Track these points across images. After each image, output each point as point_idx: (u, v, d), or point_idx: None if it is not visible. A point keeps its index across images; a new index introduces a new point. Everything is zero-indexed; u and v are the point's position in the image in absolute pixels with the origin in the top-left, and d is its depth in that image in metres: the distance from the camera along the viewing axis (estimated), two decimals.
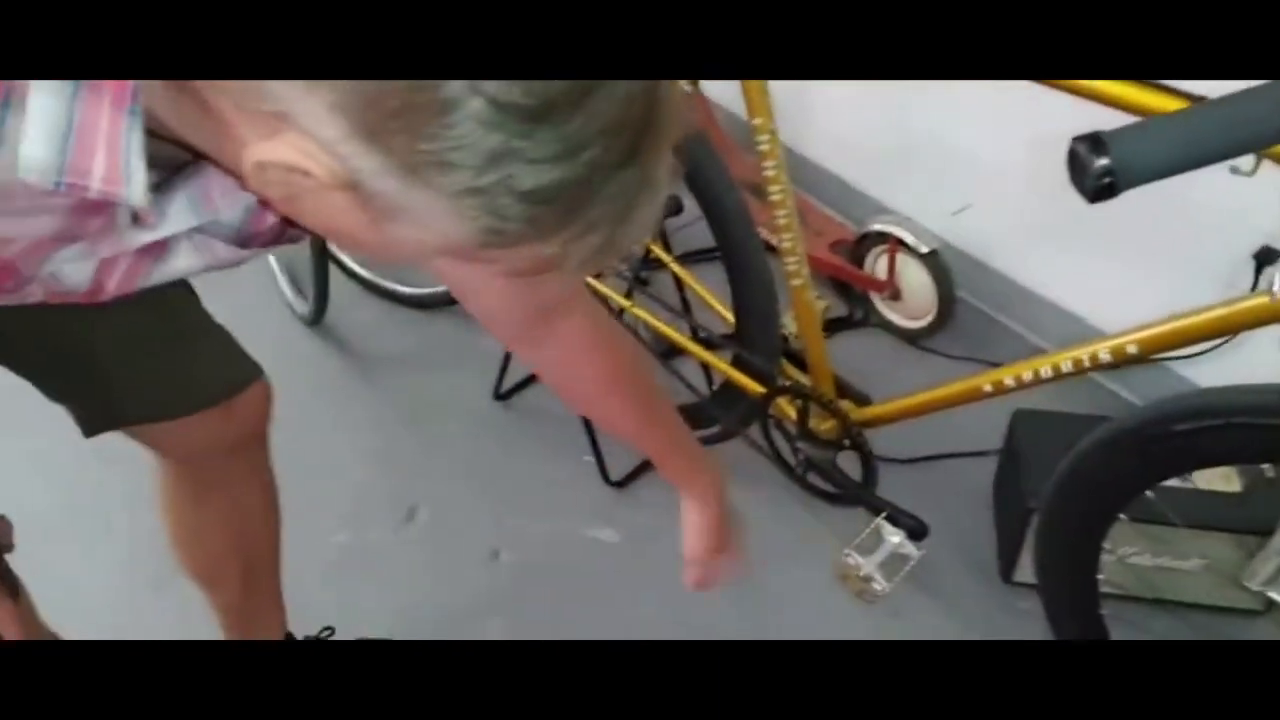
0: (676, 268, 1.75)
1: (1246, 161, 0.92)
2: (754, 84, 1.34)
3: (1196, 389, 1.66)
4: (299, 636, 1.43)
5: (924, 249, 1.90)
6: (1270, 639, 1.51)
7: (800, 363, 1.63)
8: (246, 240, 0.65)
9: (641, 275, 1.84)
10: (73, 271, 0.64)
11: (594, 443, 1.79)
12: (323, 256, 2.01)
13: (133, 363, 1.03)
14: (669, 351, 1.83)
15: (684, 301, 1.78)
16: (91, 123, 0.49)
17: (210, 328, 1.09)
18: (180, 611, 1.40)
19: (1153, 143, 0.79)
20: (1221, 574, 1.47)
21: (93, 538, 1.71)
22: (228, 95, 0.45)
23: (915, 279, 1.96)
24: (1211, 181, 0.88)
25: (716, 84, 2.16)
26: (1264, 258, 1.56)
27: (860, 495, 1.57)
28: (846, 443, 1.57)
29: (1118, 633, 1.32)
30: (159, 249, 0.64)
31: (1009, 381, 1.27)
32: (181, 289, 1.04)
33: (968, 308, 2.03)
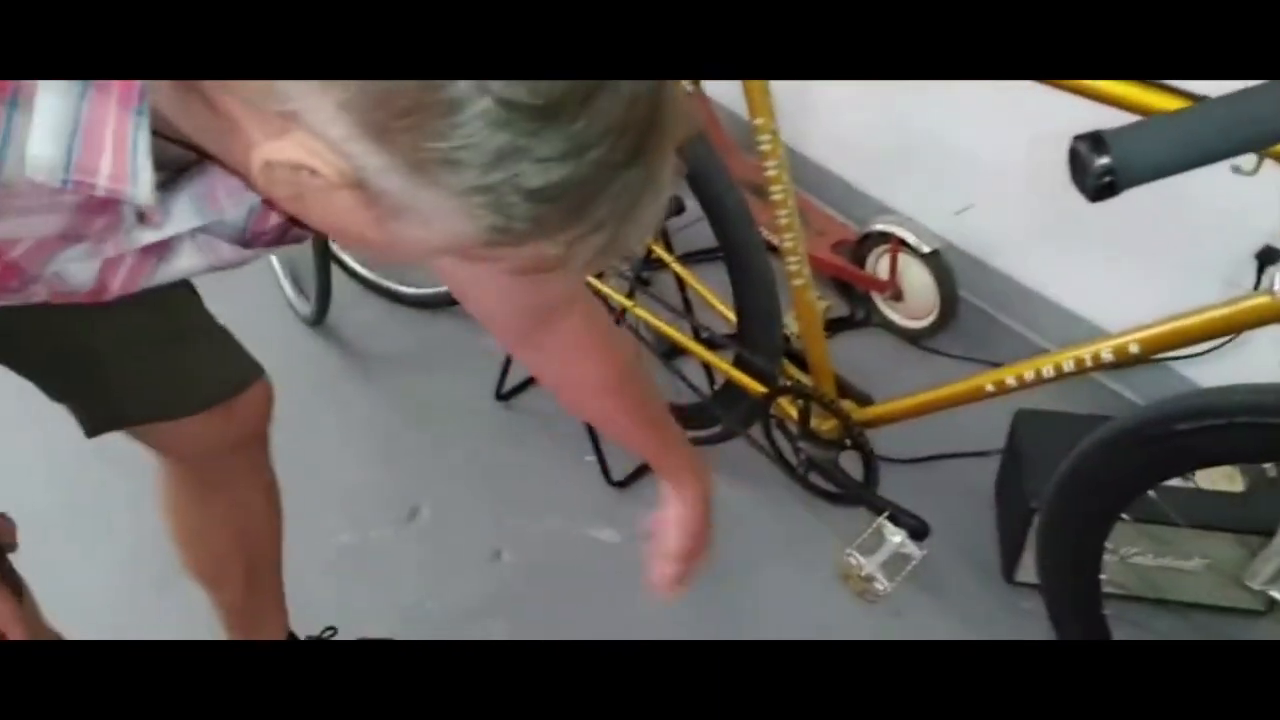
0: (678, 268, 1.75)
1: (1248, 161, 0.92)
2: (755, 84, 1.34)
3: (1198, 389, 1.66)
4: (301, 636, 1.43)
5: (926, 249, 1.90)
6: (1273, 639, 1.51)
7: (802, 363, 1.63)
8: (250, 240, 0.65)
9: (643, 275, 1.84)
10: (77, 271, 0.65)
11: (595, 443, 1.79)
12: (325, 256, 2.01)
13: (134, 362, 1.03)
14: (671, 351, 1.84)
15: (685, 301, 1.78)
16: (99, 122, 0.49)
17: (212, 328, 1.09)
18: (182, 611, 1.40)
19: (1153, 142, 0.79)
20: (1224, 574, 1.47)
21: (95, 538, 1.72)
22: (236, 95, 0.46)
23: (917, 279, 1.96)
24: (1213, 181, 0.88)
25: (718, 84, 2.16)
26: (1266, 257, 1.55)
27: (862, 495, 1.57)
28: (848, 442, 1.57)
29: (1120, 633, 1.32)
30: (163, 249, 0.64)
31: (1011, 381, 1.27)
32: (183, 289, 1.04)
33: (969, 307, 2.03)
